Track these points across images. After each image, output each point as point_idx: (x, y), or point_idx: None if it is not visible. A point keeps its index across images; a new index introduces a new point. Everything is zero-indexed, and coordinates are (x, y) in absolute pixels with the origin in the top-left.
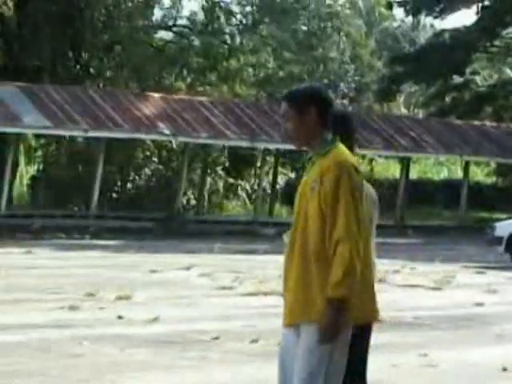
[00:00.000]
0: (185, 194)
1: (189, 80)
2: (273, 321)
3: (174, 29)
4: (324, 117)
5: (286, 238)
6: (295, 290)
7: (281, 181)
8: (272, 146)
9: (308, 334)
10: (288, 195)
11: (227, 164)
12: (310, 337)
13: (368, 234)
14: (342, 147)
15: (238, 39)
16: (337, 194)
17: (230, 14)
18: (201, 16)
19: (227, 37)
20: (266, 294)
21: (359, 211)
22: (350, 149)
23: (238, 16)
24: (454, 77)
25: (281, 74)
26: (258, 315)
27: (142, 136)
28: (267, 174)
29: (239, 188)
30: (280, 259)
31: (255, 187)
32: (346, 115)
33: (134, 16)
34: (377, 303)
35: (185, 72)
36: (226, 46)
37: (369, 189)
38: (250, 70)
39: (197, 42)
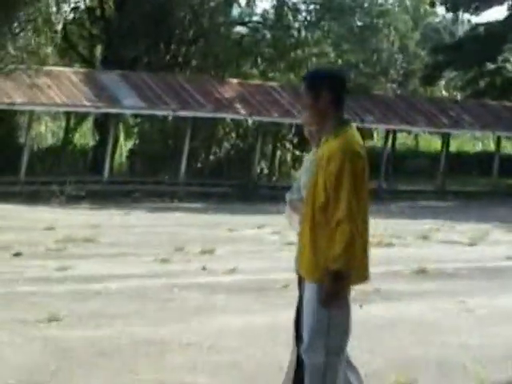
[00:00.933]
0: (258, 164)
1: (261, 68)
2: None
3: (249, 24)
4: (337, 100)
5: (287, 196)
6: (304, 253)
7: None
8: None
9: (310, 291)
10: None
11: (294, 139)
12: (311, 294)
13: (366, 212)
14: (351, 132)
15: (303, 33)
16: (340, 178)
17: (296, 11)
18: (271, 13)
19: (294, 31)
20: None
21: (359, 195)
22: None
23: (304, 13)
24: (488, 64)
25: (339, 62)
26: None
27: (222, 115)
28: None
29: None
30: None
31: None
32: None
33: (215, 13)
34: (368, 267)
35: (258, 61)
36: (292, 39)
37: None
38: (314, 59)
39: (268, 36)
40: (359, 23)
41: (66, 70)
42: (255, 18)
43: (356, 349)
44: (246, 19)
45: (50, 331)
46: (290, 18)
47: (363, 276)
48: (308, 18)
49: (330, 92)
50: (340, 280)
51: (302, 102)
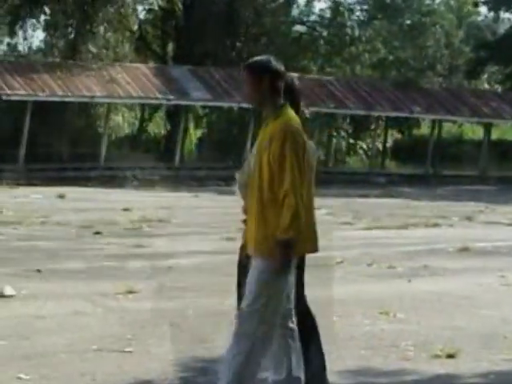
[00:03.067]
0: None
1: (319, 63)
2: (383, 249)
3: (308, 23)
4: (275, 85)
5: (237, 175)
6: (253, 229)
7: (390, 140)
8: (383, 114)
9: (258, 264)
10: (395, 152)
11: (349, 128)
12: (256, 266)
13: (310, 185)
14: (289, 112)
15: (356, 31)
16: (283, 154)
17: (351, 11)
18: (328, 13)
19: (348, 29)
20: (377, 228)
21: (301, 167)
22: (297, 112)
23: (357, 12)
24: None
25: (390, 58)
26: (372, 244)
27: None
28: (379, 135)
29: (358, 147)
30: (388, 202)
31: (370, 146)
32: (292, 84)
33: (276, 13)
34: (317, 239)
35: (316, 57)
36: (347, 37)
37: (310, 144)
38: (367, 55)
39: (325, 33)
40: (408, 22)
41: (141, 65)
42: (313, 18)
43: (404, 321)
44: (305, 18)
45: (126, 303)
46: (345, 16)
47: (311, 248)
48: (361, 17)
49: (270, 78)
50: (289, 249)
51: (244, 85)
